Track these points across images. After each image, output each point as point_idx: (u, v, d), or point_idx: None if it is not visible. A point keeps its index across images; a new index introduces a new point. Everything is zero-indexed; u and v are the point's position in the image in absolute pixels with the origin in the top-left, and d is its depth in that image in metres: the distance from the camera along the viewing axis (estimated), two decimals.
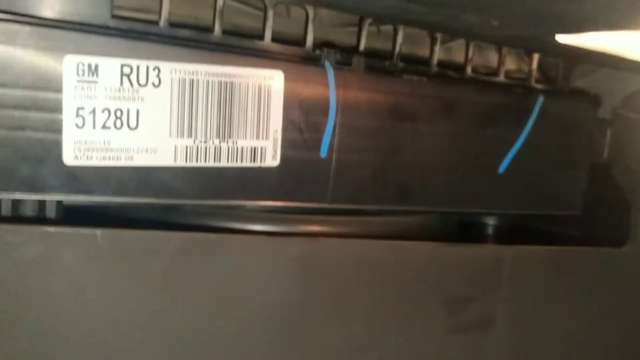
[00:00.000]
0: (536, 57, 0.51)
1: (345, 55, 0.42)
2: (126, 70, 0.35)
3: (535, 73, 0.51)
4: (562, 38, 0.31)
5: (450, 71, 0.48)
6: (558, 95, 0.52)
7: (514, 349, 0.48)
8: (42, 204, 0.35)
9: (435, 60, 0.47)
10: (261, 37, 0.41)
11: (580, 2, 0.24)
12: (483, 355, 0.46)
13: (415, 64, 0.46)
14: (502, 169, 0.49)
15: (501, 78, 0.50)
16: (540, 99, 0.50)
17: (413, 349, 0.44)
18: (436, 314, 0.44)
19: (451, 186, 0.47)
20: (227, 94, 0.38)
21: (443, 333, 0.44)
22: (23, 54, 0.33)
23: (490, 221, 0.56)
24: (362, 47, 0.44)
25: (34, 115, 0.33)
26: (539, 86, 0.52)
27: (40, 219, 0.35)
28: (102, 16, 0.36)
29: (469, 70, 0.48)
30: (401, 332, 0.43)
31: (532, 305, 0.48)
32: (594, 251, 0.51)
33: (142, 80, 0.36)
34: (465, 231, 0.55)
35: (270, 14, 0.41)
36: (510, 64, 0.53)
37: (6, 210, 0.34)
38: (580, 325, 0.51)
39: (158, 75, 0.36)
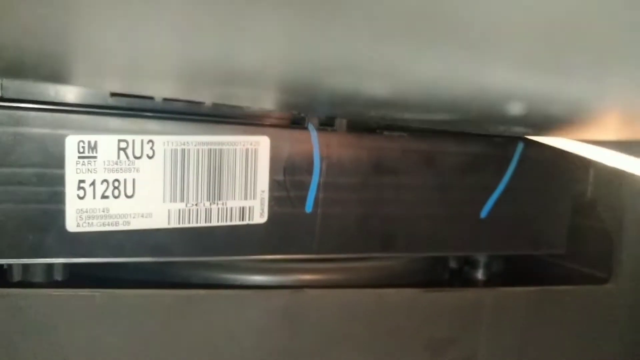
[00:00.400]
0: None
1: (328, 118, 0.45)
2: (123, 144, 0.39)
3: None
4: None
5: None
6: (537, 142, 0.53)
7: None
8: (50, 268, 0.39)
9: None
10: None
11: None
12: None
13: (396, 119, 0.48)
14: (483, 214, 0.51)
15: None
16: (520, 145, 0.52)
17: None
18: (419, 357, 0.46)
19: (434, 233, 0.49)
20: (216, 160, 0.41)
21: None
22: (29, 136, 0.36)
23: (481, 258, 0.57)
24: None
25: (39, 189, 0.37)
26: (520, 132, 0.54)
27: (47, 283, 0.38)
28: (101, 95, 0.39)
29: None
30: None
31: (515, 344, 0.50)
32: (576, 290, 0.53)
33: (137, 153, 0.39)
34: (456, 268, 0.57)
35: None
36: None
37: (17, 276, 0.38)
38: None
39: (152, 148, 0.39)
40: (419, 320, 0.46)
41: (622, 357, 0.54)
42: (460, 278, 0.56)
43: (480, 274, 0.54)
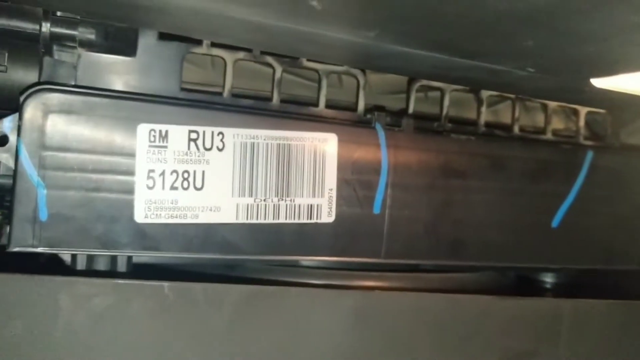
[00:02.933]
0: (583, 113, 0.49)
1: (395, 118, 0.42)
2: (193, 135, 0.36)
3: (583, 130, 0.50)
4: (597, 82, 0.30)
5: (497, 130, 0.47)
6: (608, 150, 0.50)
7: None
8: (113, 259, 0.36)
9: (482, 121, 0.46)
10: (316, 104, 0.41)
11: (605, 43, 0.23)
12: None
13: (463, 125, 0.46)
14: (555, 223, 0.47)
15: (548, 136, 0.48)
16: (590, 154, 0.48)
17: None
18: None
19: (505, 241, 0.45)
20: (285, 155, 0.39)
21: None
22: (101, 123, 0.35)
23: (549, 279, 0.53)
24: (410, 109, 0.44)
25: (109, 177, 0.35)
26: (588, 142, 0.50)
27: (111, 273, 0.35)
28: (172, 89, 0.38)
29: (516, 129, 0.47)
30: None
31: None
32: None
33: (208, 145, 0.37)
34: (523, 289, 0.52)
35: (324, 83, 0.41)
36: (558, 123, 0.52)
37: (81, 265, 0.35)
38: None
39: (222, 140, 0.37)
40: (493, 329, 0.41)
41: None
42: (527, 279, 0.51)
43: (549, 277, 0.50)
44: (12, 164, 0.34)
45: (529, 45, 0.25)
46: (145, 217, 0.36)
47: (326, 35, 0.28)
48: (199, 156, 0.37)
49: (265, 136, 0.38)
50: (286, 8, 0.22)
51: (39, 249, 0.34)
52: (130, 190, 0.35)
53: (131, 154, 0.35)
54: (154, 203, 0.36)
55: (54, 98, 0.34)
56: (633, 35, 0.21)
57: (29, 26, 0.34)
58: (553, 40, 0.24)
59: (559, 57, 0.27)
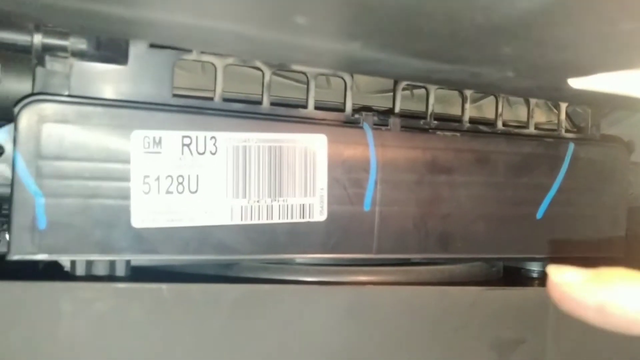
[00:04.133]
0: (563, 107, 0.50)
1: (382, 117, 0.43)
2: (186, 140, 0.37)
3: (564, 123, 0.50)
4: (573, 83, 0.30)
5: (482, 126, 0.47)
6: (589, 142, 0.51)
7: None
8: (112, 263, 0.36)
9: (466, 117, 0.46)
10: (305, 106, 0.42)
11: (580, 50, 0.23)
12: None
13: (448, 122, 0.46)
14: (539, 215, 0.48)
15: (531, 130, 0.49)
16: (571, 146, 0.49)
17: None
18: (485, 358, 0.42)
19: (491, 233, 0.46)
20: (276, 157, 0.39)
21: None
22: (96, 131, 0.35)
23: (535, 268, 0.54)
24: (397, 109, 0.44)
25: (106, 184, 0.35)
26: (569, 135, 0.51)
27: (110, 277, 0.36)
28: (163, 96, 0.38)
29: (499, 124, 0.48)
30: None
31: (583, 346, 0.45)
32: None
33: (201, 149, 0.37)
34: (511, 279, 0.53)
35: (312, 85, 0.42)
36: (540, 116, 0.53)
37: (80, 270, 0.35)
38: None
39: (215, 144, 0.37)
40: (483, 319, 0.42)
41: None
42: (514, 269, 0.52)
43: (535, 266, 0.51)
44: (9, 174, 0.34)
45: (506, 52, 0.25)
46: (142, 221, 0.36)
47: (312, 45, 0.28)
48: (192, 160, 0.37)
49: (257, 139, 0.39)
50: (273, 23, 0.23)
51: (39, 256, 0.34)
52: (126, 196, 0.35)
53: (126, 161, 0.35)
54: (150, 207, 0.36)
55: (49, 108, 0.34)
56: (606, 43, 0.22)
57: (20, 38, 0.33)
58: (530, 48, 0.25)
59: (537, 62, 0.28)
